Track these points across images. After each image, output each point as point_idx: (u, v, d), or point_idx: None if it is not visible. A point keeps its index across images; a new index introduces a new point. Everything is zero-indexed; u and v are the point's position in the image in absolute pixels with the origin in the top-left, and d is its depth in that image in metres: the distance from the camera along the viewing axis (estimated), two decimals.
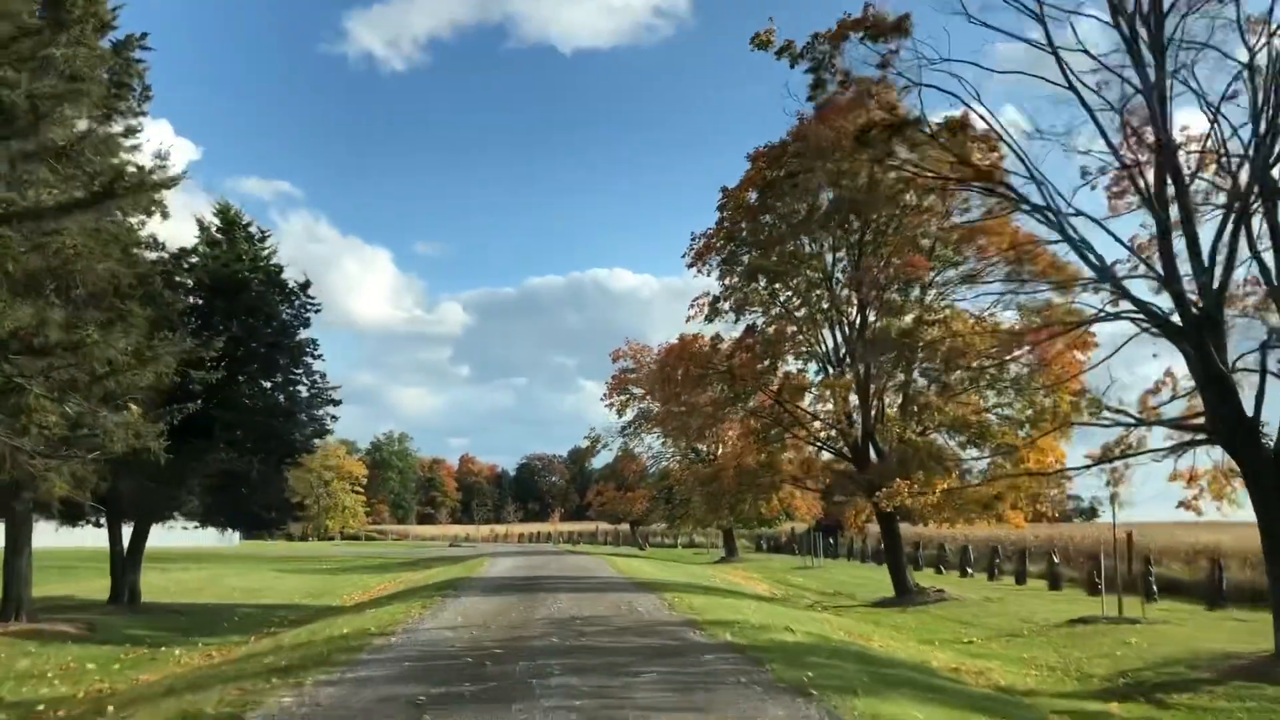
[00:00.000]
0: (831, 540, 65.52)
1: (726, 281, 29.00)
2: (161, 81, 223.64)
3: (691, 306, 29.90)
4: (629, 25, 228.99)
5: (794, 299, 28.51)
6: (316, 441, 28.99)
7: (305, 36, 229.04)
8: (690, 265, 29.00)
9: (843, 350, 29.19)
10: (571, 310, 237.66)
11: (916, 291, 28.81)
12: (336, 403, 28.88)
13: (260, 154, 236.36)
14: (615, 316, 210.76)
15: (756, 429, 30.67)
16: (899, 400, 28.90)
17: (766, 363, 28.45)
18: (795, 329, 28.67)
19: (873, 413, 28.08)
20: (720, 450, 53.42)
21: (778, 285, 28.42)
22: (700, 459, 54.53)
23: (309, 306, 28.13)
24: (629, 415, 55.95)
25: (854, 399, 28.65)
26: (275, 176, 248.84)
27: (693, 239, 29.08)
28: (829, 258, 29.03)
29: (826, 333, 29.32)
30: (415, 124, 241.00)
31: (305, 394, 28.57)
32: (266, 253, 27.52)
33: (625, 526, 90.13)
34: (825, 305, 28.13)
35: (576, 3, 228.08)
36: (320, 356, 28.59)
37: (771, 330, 28.59)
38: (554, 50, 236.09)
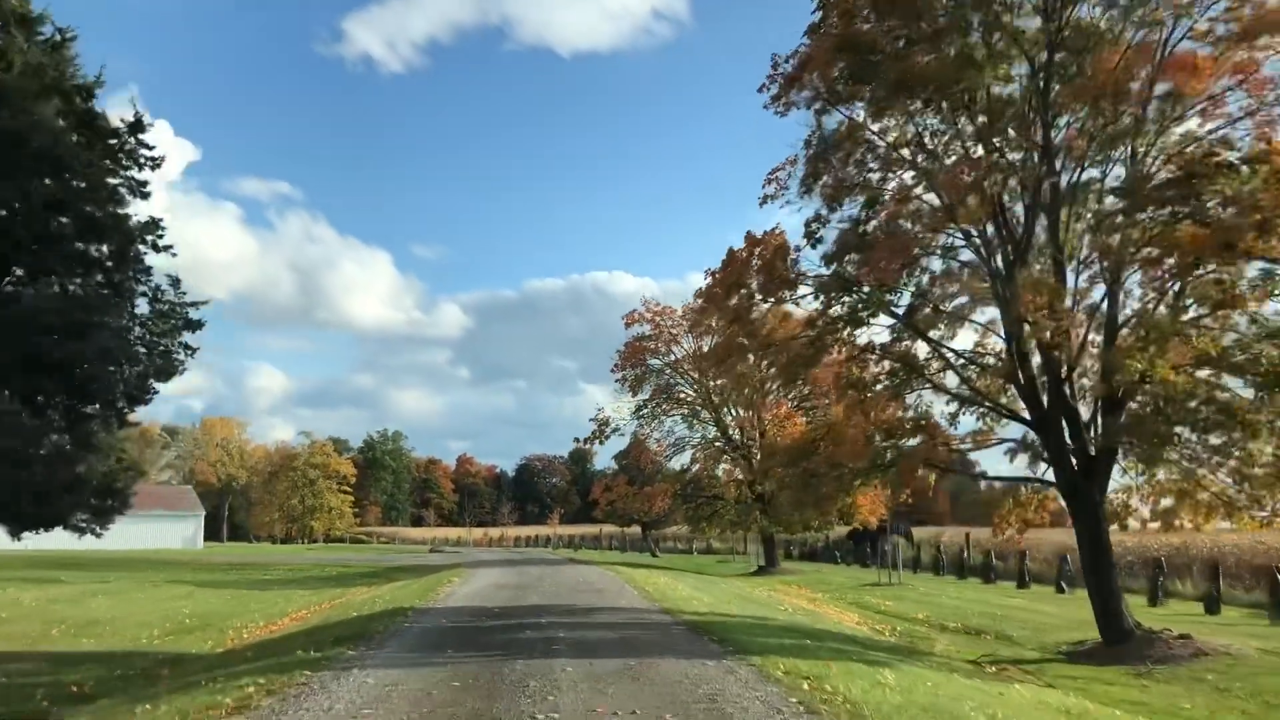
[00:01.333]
0: (875, 547, 53.90)
1: (819, 130, 17.22)
2: (161, 83, 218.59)
3: (768, 181, 18.24)
4: (628, 28, 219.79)
5: (952, 145, 16.69)
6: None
7: (303, 38, 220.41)
8: (774, 101, 17.25)
9: (1007, 252, 17.48)
10: (571, 313, 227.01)
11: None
12: (195, 325, 17.25)
13: (259, 155, 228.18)
14: (615, 320, 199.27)
15: (858, 378, 18.96)
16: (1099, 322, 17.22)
17: (901, 263, 16.69)
18: (949, 198, 16.79)
19: (1076, 338, 16.41)
20: (760, 429, 41.89)
21: (923, 133, 16.68)
22: (734, 445, 42.89)
23: (145, 160, 16.49)
24: (644, 394, 44.43)
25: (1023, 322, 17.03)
26: (274, 177, 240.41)
27: (775, 65, 17.43)
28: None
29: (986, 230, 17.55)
30: (414, 126, 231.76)
31: (143, 309, 16.91)
32: (65, 65, 15.91)
33: (632, 529, 78.34)
34: (1007, 149, 16.25)
35: (575, 5, 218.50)
36: (169, 249, 16.96)
37: (916, 208, 16.74)
38: (552, 53, 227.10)
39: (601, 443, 44.61)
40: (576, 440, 45.06)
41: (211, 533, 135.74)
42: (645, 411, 44.58)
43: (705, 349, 44.24)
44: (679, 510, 44.16)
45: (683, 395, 44.90)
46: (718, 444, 44.11)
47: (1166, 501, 16.97)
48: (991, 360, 18.37)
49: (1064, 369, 16.89)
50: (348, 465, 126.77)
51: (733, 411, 44.01)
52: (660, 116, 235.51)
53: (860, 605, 28.14)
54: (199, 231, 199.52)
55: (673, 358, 44.17)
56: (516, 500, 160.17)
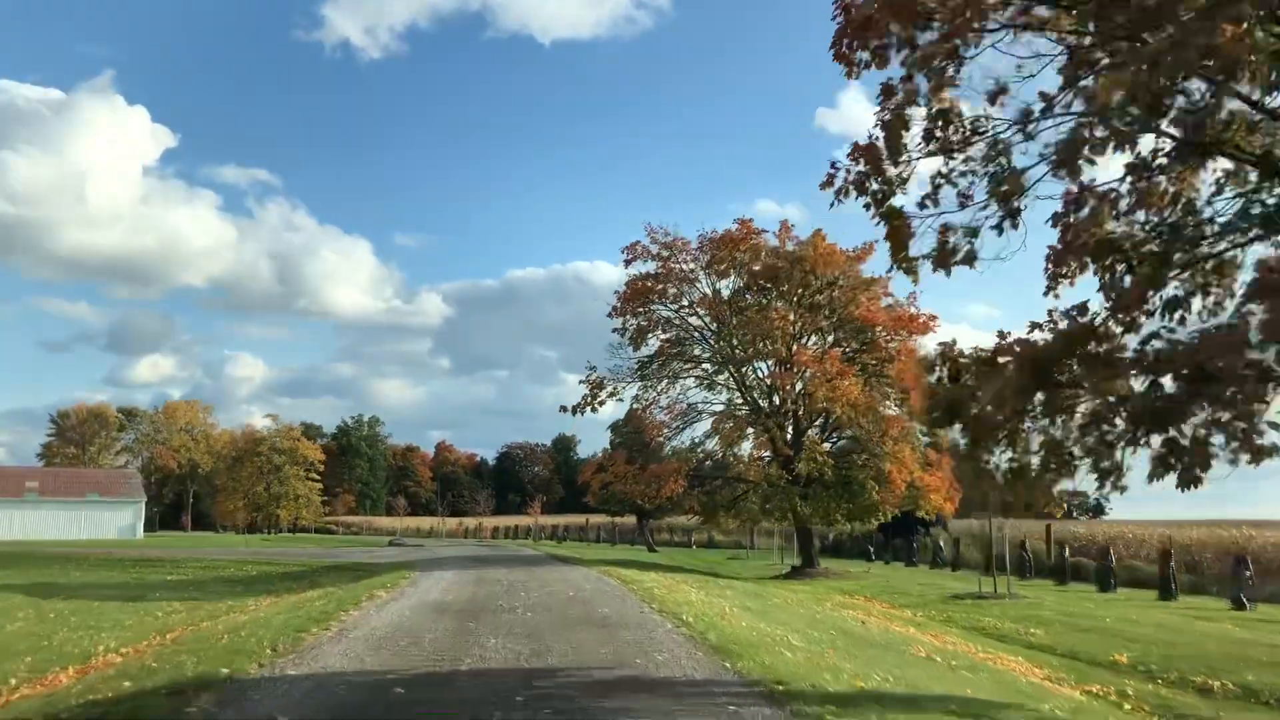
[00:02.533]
0: (914, 543, 44.37)
1: None
2: (138, 68, 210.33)
3: None
4: (609, 16, 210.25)
5: None
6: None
7: (281, 23, 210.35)
8: None
9: None
10: (552, 303, 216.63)
11: None
12: None
13: (237, 141, 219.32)
14: (596, 309, 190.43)
15: (1104, 237, 9.22)
16: None
17: None
18: None
19: None
20: (803, 388, 31.94)
21: None
22: (763, 413, 32.92)
23: None
24: (649, 347, 34.48)
25: None
26: (253, 164, 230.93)
27: None
28: None
29: None
30: (394, 113, 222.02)
31: None
32: None
33: (621, 519, 68.40)
34: None
35: None
36: None
37: None
38: (533, 40, 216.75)
39: (594, 409, 34.55)
40: (563, 409, 35.03)
41: (170, 521, 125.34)
42: (651, 370, 34.60)
43: (726, 292, 34.43)
44: (693, 496, 34.08)
45: (697, 353, 34.99)
46: (739, 413, 34.16)
47: None
48: None
49: None
50: (315, 450, 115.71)
51: (759, 369, 34.20)
52: (640, 105, 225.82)
53: (992, 635, 18.36)
54: (177, 219, 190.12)
55: (685, 303, 34.23)
56: (497, 489, 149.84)
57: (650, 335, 34.51)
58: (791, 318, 31.98)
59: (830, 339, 33.65)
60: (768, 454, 33.56)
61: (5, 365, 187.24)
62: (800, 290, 33.11)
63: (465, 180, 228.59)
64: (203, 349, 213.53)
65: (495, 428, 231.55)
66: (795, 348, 31.84)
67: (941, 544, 41.57)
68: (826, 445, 32.96)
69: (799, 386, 31.72)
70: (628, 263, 34.54)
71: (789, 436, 32.65)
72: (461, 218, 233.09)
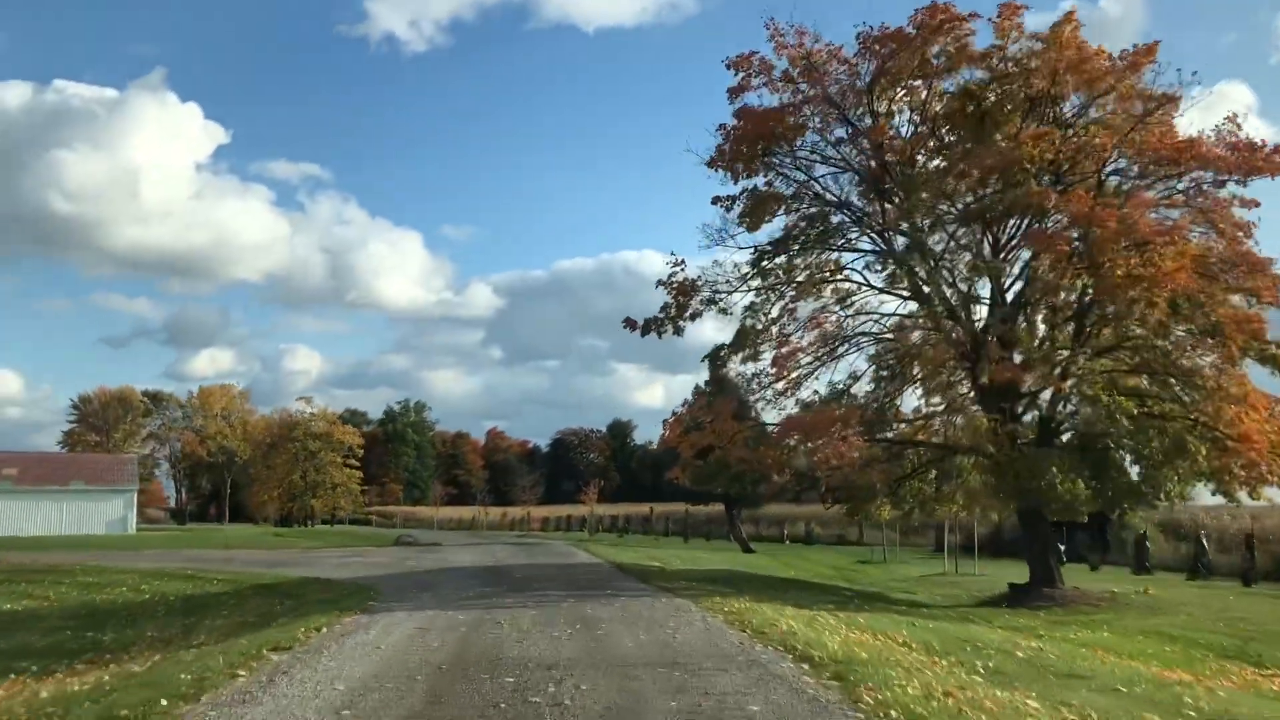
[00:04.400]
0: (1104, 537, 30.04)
1: None
2: (189, 66, 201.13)
3: None
4: (653, 3, 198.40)
5: None
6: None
7: (325, 18, 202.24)
8: None
9: None
10: (602, 293, 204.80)
11: None
12: None
13: (288, 137, 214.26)
14: (644, 299, 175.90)
15: None
16: None
17: None
18: None
19: None
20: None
21: None
22: (966, 324, 18.78)
23: None
24: (773, 227, 20.47)
25: None
26: (303, 159, 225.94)
27: None
28: None
29: None
30: (440, 105, 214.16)
31: None
32: None
33: (706, 508, 54.16)
34: None
35: None
36: None
37: None
38: (576, 29, 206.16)
39: (678, 328, 20.59)
40: (631, 324, 21.14)
41: (200, 514, 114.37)
42: (776, 265, 20.54)
43: (905, 127, 20.25)
44: (877, 467, 19.64)
45: (851, 237, 20.87)
46: (919, 336, 20.02)
47: None
48: None
49: None
50: (353, 435, 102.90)
51: (949, 269, 20.04)
52: (685, 91, 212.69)
53: None
54: (230, 214, 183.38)
55: (833, 140, 20.08)
56: (550, 477, 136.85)
57: (777, 209, 20.47)
58: (1062, 134, 17.66)
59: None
60: (940, 400, 19.53)
61: (68, 361, 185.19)
62: (1032, 121, 18.97)
63: (512, 171, 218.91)
64: (259, 342, 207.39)
65: (548, 418, 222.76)
66: (1055, 198, 17.53)
67: (1205, 542, 27.00)
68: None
69: (1071, 263, 17.32)
70: (735, 91, 20.52)
71: (1024, 360, 18.40)
72: (509, 209, 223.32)
